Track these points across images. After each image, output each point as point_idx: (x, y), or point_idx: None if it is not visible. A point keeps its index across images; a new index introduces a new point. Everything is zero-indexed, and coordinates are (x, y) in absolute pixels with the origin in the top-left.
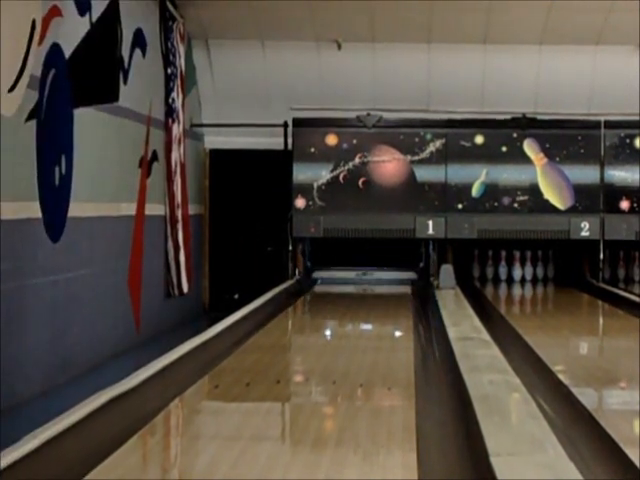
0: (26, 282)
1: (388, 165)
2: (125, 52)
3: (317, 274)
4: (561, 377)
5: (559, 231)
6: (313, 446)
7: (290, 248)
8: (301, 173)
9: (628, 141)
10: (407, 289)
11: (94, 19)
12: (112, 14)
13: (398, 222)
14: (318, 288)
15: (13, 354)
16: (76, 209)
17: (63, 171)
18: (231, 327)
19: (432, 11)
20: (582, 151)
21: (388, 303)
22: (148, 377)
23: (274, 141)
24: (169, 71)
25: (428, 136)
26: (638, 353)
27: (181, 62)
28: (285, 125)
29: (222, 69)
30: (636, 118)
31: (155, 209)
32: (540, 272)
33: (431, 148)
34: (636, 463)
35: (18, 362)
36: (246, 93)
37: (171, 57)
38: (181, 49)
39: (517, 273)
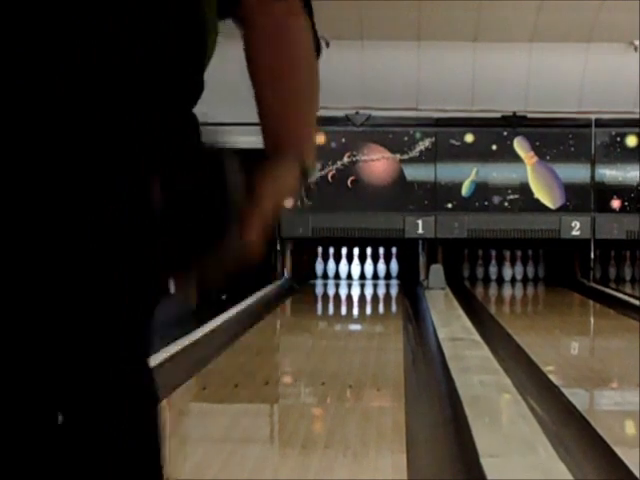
0: None
1: (377, 164)
2: None
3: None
4: (552, 377)
5: (550, 230)
6: (302, 447)
7: (278, 248)
8: None
9: (619, 140)
10: (396, 290)
11: None
12: None
13: (387, 222)
14: (307, 288)
15: None
16: None
17: None
18: (219, 328)
19: (421, 8)
20: (573, 150)
21: (377, 303)
22: None
23: (261, 140)
24: None
25: (417, 135)
26: (629, 353)
27: None
28: None
29: (209, 68)
30: (627, 116)
31: None
32: (531, 272)
33: (420, 147)
34: (627, 463)
35: None
36: (233, 92)
37: None
38: None
39: (507, 273)
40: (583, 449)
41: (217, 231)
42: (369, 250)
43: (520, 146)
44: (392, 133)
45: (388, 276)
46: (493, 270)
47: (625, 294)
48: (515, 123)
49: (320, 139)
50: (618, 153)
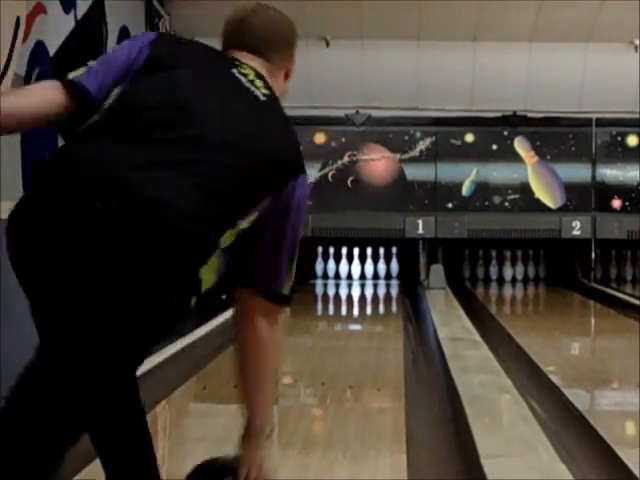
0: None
1: (377, 164)
2: (110, 50)
3: None
4: (552, 378)
5: (550, 230)
6: (302, 448)
7: None
8: None
9: (620, 139)
10: (396, 290)
11: (79, 16)
12: (97, 11)
13: (387, 221)
14: (307, 288)
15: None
16: None
17: None
18: (219, 328)
19: (421, 8)
20: (573, 149)
21: (377, 303)
22: None
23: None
24: None
25: (418, 134)
26: (630, 353)
27: None
28: None
29: None
30: (628, 116)
31: None
32: (531, 272)
33: (421, 146)
34: (627, 463)
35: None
36: None
37: None
38: None
39: (508, 273)
40: (583, 449)
41: None
42: (369, 250)
43: (520, 146)
44: (392, 133)
45: (388, 276)
46: (493, 270)
47: (626, 294)
48: (515, 123)
49: (320, 139)
50: (619, 153)
